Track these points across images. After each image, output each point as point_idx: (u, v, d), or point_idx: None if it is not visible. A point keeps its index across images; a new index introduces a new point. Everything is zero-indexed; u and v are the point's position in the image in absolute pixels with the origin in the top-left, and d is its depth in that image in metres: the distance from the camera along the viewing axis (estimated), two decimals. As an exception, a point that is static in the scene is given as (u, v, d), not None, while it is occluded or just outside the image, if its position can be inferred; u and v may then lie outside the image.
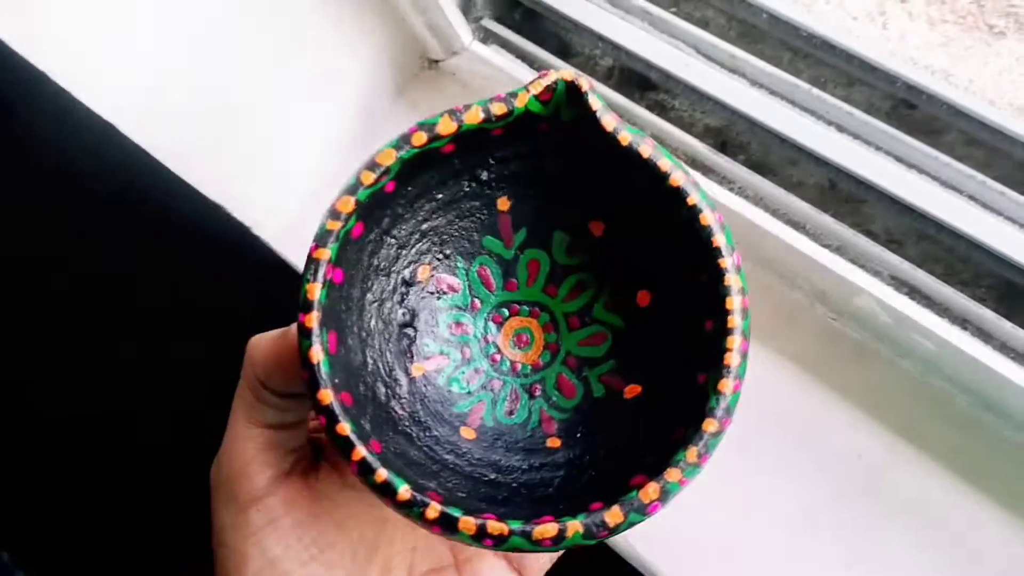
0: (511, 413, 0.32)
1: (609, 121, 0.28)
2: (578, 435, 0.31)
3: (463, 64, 0.55)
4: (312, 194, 0.55)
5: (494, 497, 0.29)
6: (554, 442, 0.31)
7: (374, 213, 0.30)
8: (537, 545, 0.25)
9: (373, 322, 0.31)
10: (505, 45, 0.54)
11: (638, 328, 0.32)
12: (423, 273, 0.33)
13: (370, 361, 0.30)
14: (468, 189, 0.32)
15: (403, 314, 0.32)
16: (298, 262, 0.51)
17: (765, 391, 0.45)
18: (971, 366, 0.41)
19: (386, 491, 0.25)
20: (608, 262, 0.32)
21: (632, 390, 0.31)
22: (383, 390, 0.30)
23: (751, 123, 0.47)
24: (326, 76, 0.53)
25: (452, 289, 0.33)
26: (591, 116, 0.28)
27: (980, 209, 0.43)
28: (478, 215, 0.33)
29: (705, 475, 0.44)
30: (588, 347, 0.33)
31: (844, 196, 0.47)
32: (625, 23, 0.51)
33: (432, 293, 0.33)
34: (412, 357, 0.32)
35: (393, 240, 0.32)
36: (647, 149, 0.28)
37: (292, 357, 0.27)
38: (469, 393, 0.33)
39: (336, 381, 0.27)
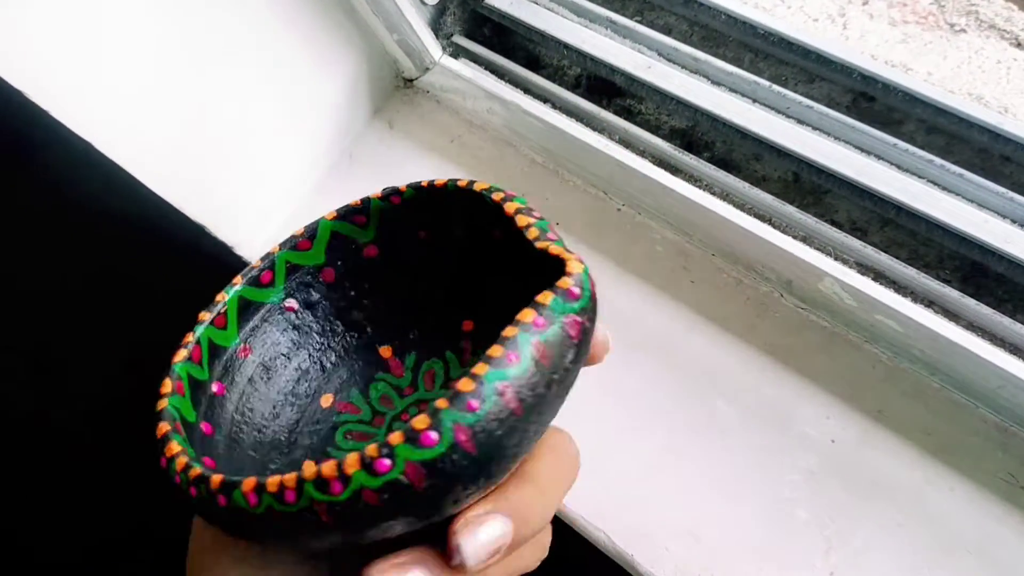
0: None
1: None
2: None
3: (435, 80, 0.56)
4: (292, 214, 0.56)
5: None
6: None
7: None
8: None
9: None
10: (476, 59, 0.56)
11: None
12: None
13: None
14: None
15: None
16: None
17: (738, 381, 0.45)
18: (939, 346, 0.41)
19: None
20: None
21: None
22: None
23: (715, 121, 0.48)
24: (303, 98, 0.55)
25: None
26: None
27: (941, 192, 0.43)
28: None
29: (682, 467, 0.44)
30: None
31: (808, 188, 0.48)
32: (591, 32, 0.52)
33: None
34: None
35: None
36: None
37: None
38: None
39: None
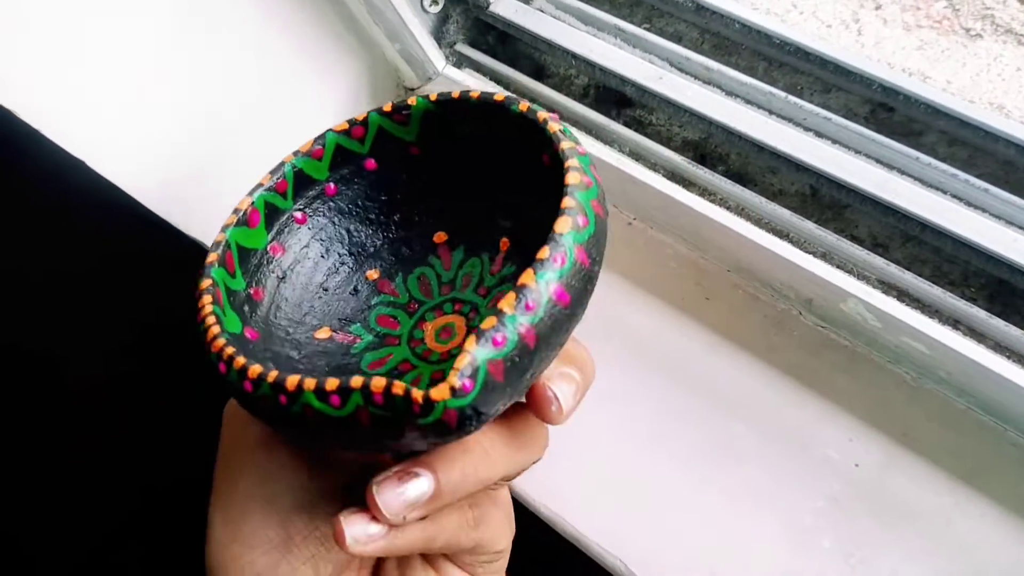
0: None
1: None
2: None
3: (438, 89, 0.55)
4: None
5: None
6: None
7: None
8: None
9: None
10: (479, 69, 0.54)
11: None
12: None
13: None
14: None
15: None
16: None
17: (757, 403, 0.44)
18: (965, 367, 0.40)
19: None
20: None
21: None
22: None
23: (729, 133, 0.46)
24: (303, 108, 0.53)
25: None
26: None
27: (965, 208, 0.42)
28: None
29: (702, 493, 0.43)
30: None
31: (826, 202, 0.47)
32: (598, 41, 0.50)
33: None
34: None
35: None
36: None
37: None
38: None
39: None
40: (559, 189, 0.29)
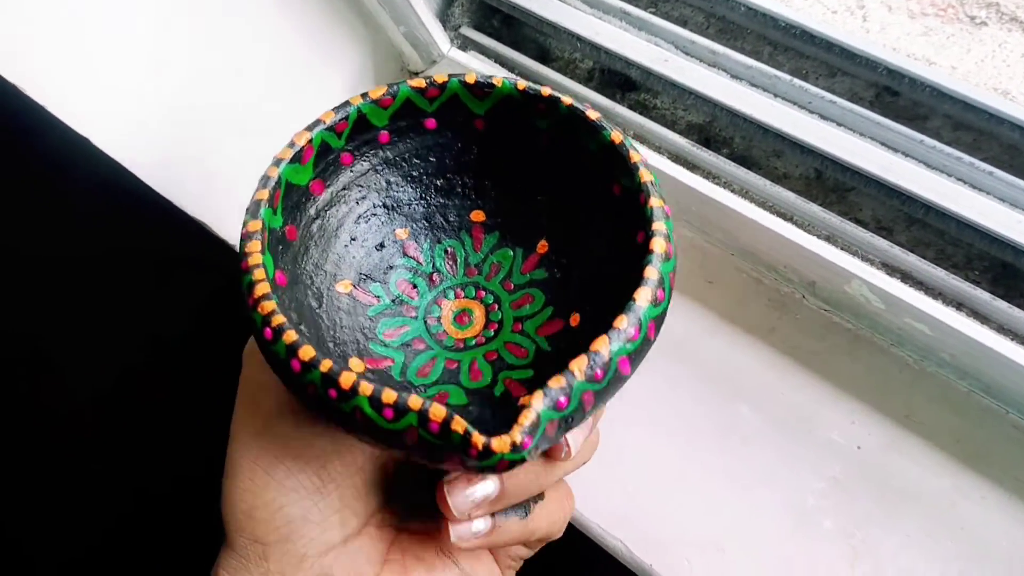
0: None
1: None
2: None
3: (443, 72, 0.55)
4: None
5: None
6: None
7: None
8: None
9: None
10: (484, 51, 0.54)
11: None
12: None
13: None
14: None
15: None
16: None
17: (759, 386, 0.44)
18: (968, 348, 0.40)
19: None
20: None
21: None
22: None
23: (734, 116, 0.46)
24: (306, 92, 0.53)
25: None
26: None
27: (970, 190, 0.42)
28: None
29: (703, 475, 0.43)
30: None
31: (831, 185, 0.47)
32: (604, 23, 0.50)
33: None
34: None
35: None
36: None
37: None
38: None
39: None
40: (621, 222, 0.29)
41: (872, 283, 0.41)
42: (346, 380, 0.25)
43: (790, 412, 0.43)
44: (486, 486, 0.30)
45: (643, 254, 0.28)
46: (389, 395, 0.25)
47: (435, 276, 0.36)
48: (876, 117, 0.44)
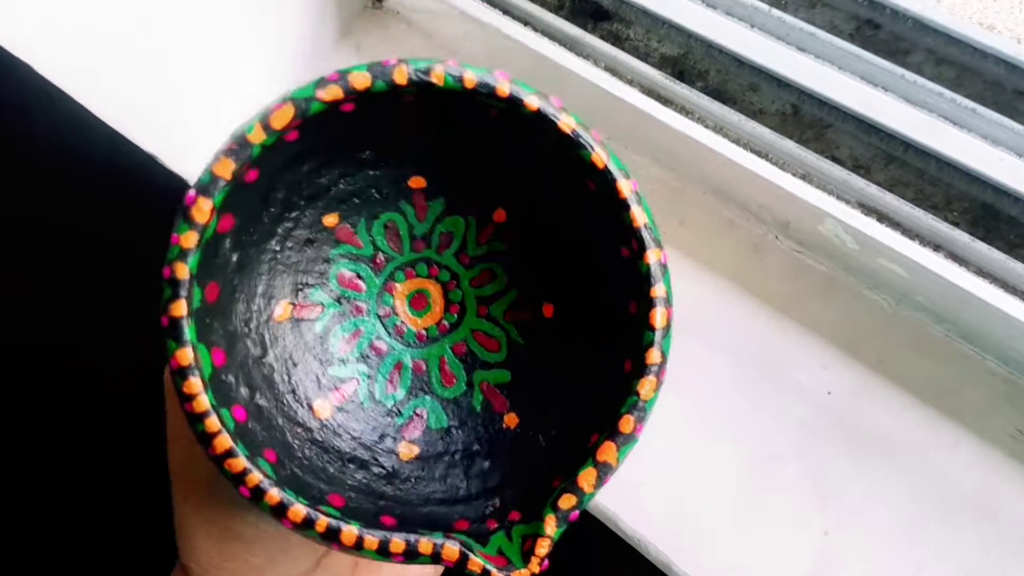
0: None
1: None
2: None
3: (407, 0, 0.52)
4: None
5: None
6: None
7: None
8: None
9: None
10: (449, -23, 0.51)
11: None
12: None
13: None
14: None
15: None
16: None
17: (729, 329, 0.43)
18: (945, 291, 0.39)
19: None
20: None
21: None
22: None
23: (709, 48, 0.44)
24: (264, 20, 0.50)
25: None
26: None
27: (951, 126, 0.40)
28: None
29: (667, 420, 0.41)
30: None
31: (808, 121, 0.45)
32: (575, -51, 0.48)
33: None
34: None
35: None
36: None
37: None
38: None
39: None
40: (598, 214, 0.27)
41: (846, 223, 0.39)
42: (347, 537, 0.24)
43: (759, 355, 0.42)
44: None
45: (617, 238, 0.26)
46: (397, 544, 0.23)
47: (378, 257, 0.32)
48: (856, 50, 0.42)
